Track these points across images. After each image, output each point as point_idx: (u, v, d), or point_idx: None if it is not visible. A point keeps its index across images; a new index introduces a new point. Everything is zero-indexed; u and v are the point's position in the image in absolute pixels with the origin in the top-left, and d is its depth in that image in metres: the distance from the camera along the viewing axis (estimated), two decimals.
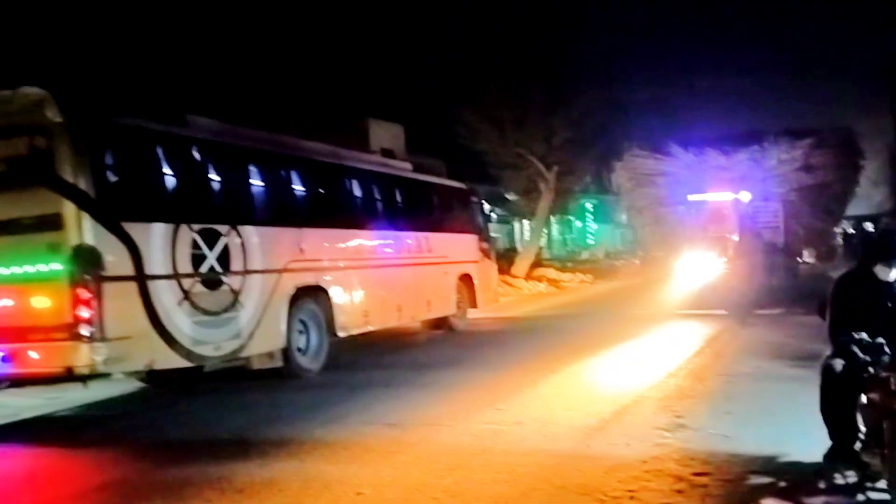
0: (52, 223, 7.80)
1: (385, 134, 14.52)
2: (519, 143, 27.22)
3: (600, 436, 6.84)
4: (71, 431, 8.40)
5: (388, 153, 14.09)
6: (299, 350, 10.42)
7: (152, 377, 9.84)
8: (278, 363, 10.06)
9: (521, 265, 27.18)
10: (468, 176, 17.65)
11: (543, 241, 35.77)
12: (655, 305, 17.19)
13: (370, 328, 12.37)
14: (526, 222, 32.62)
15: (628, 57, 29.81)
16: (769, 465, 5.73)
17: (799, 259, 24.20)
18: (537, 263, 29.96)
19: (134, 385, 10.27)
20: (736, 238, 18.01)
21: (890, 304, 5.07)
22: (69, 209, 7.80)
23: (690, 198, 19.90)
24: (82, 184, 7.83)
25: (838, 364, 5.03)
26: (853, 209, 25.31)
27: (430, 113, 23.63)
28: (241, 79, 21.17)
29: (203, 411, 8.91)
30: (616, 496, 5.24)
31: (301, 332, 10.49)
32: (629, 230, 37.66)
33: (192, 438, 7.46)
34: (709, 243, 18.69)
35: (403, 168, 14.47)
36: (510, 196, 32.26)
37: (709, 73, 30.31)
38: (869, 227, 31.17)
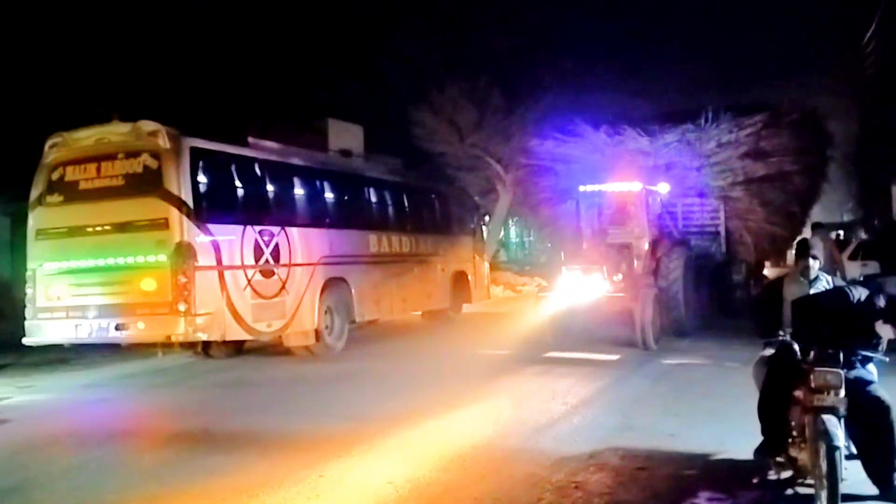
0: (160, 224, 10.07)
1: (344, 134, 15.35)
2: (476, 144, 26.94)
3: (549, 432, 7.16)
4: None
5: (346, 153, 14.96)
6: (326, 329, 12.50)
7: (206, 349, 12.23)
8: (311, 341, 12.18)
9: None
10: (426, 177, 17.77)
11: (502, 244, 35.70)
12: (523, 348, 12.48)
13: (381, 316, 14.61)
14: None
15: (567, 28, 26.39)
16: (709, 462, 6.07)
17: (764, 273, 19.12)
18: (493, 267, 29.80)
19: (102, 375, 11.42)
20: (646, 246, 13.54)
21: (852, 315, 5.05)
22: (174, 214, 10.03)
23: (583, 189, 14.20)
24: (182, 195, 10.08)
25: (770, 362, 5.29)
26: (815, 216, 19.50)
27: (388, 113, 23.49)
28: (202, 78, 21.04)
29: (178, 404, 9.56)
30: (561, 486, 5.58)
31: (327, 313, 12.54)
32: None
33: (169, 428, 8.02)
34: (605, 253, 13.22)
35: (409, 177, 16.44)
36: None
37: (636, 40, 26.86)
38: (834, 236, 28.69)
